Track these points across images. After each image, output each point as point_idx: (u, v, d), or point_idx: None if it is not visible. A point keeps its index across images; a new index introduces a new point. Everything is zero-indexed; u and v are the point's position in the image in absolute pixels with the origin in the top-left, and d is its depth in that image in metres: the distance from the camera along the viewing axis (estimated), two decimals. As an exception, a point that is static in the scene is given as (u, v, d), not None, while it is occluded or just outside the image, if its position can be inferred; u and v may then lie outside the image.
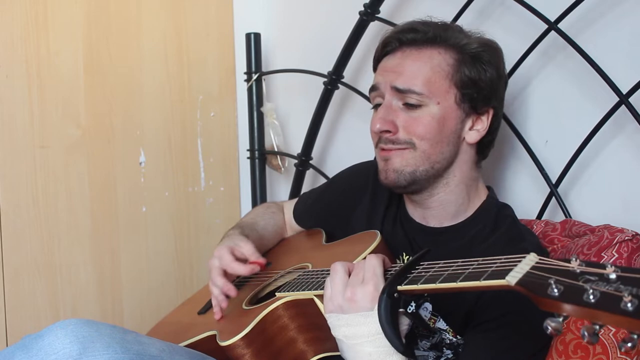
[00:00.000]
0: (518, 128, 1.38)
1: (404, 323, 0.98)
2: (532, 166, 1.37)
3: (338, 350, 1.07)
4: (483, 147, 1.21)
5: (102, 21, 1.76)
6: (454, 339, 1.13)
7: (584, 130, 1.27)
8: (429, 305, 1.15)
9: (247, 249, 1.27)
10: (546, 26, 1.31)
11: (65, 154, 1.71)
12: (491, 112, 1.18)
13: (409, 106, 1.14)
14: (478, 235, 1.16)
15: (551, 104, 1.37)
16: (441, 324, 1.14)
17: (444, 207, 1.19)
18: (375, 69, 1.24)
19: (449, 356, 1.15)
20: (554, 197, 1.33)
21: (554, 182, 1.33)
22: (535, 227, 1.30)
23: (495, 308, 1.06)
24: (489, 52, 1.17)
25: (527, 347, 1.07)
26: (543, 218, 1.36)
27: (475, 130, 1.17)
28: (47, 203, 1.68)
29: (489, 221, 1.18)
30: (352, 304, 0.97)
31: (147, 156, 1.87)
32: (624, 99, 1.20)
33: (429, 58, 1.14)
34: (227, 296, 1.24)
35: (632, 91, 1.20)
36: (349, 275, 1.00)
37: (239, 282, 1.40)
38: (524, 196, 1.42)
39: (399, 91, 1.14)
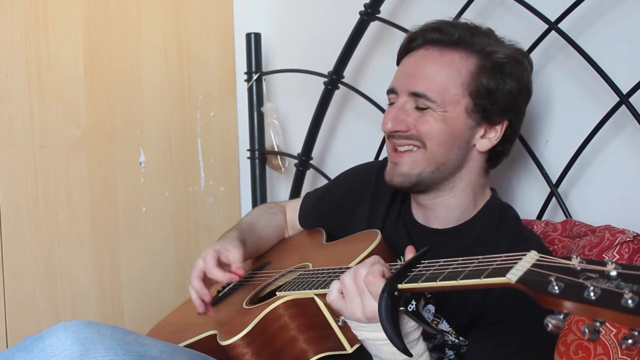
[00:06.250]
0: (518, 128, 1.38)
1: (411, 326, 0.97)
2: (532, 166, 1.37)
3: (339, 350, 1.07)
4: (494, 156, 1.20)
5: (102, 21, 1.76)
6: (456, 340, 1.13)
7: (584, 130, 1.27)
8: (431, 307, 1.15)
9: (233, 255, 1.27)
10: (546, 26, 1.31)
11: (65, 154, 1.71)
12: (506, 124, 1.17)
13: (419, 109, 1.14)
14: (481, 235, 1.16)
15: (551, 104, 1.37)
16: (444, 326, 1.13)
17: (448, 210, 1.19)
18: (398, 62, 1.23)
19: (451, 357, 1.15)
20: (554, 197, 1.33)
21: (554, 182, 1.33)
22: (535, 227, 1.29)
23: (501, 310, 1.06)
24: (513, 63, 1.15)
25: (533, 350, 1.07)
26: (543, 218, 1.36)
27: (487, 138, 1.17)
28: (47, 203, 1.68)
29: (492, 222, 1.17)
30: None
31: (147, 156, 1.87)
32: (624, 99, 1.20)
33: (449, 63, 1.13)
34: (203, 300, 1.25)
35: (632, 91, 1.20)
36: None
37: (239, 282, 1.41)
38: (524, 196, 1.42)
39: (415, 95, 1.14)
